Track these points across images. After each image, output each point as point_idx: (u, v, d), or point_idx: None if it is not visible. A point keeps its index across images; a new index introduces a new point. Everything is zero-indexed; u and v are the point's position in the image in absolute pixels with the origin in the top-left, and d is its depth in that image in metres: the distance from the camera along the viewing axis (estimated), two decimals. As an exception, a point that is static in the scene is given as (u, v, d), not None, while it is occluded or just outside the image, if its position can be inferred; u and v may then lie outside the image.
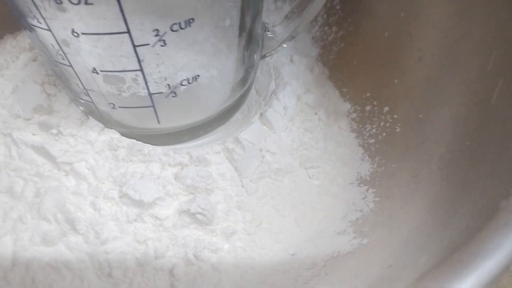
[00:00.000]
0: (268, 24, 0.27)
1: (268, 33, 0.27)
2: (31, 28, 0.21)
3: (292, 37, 0.28)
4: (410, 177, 0.23)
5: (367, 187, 0.26)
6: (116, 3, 0.18)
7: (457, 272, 0.13)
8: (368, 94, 0.30)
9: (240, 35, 0.23)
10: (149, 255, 0.22)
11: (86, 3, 0.18)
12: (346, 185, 0.26)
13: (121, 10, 0.18)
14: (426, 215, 0.20)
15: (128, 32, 0.19)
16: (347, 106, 0.31)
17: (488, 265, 0.13)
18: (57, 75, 0.24)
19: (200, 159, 0.25)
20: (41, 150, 0.24)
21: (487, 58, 0.22)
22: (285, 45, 0.28)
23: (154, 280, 0.22)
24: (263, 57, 0.28)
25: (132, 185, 0.23)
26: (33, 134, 0.25)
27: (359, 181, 0.26)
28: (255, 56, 0.26)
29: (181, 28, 0.20)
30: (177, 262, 0.22)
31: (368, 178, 0.26)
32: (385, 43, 0.30)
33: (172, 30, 0.20)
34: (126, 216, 0.23)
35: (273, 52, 0.28)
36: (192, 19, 0.20)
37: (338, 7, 0.33)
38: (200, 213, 0.23)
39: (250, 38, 0.24)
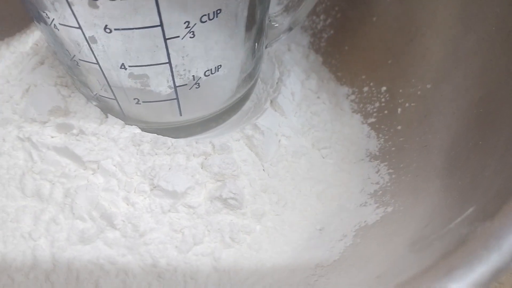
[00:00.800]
0: (271, 15, 0.28)
1: (273, 23, 0.28)
2: (54, 27, 0.21)
3: (292, 28, 0.29)
4: (420, 147, 0.25)
5: (378, 161, 0.27)
6: (153, -1, 0.18)
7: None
8: (363, 77, 0.32)
9: (253, 25, 0.24)
10: (188, 242, 0.23)
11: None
12: (358, 162, 0.28)
13: (157, 4, 0.19)
14: (444, 178, 0.22)
15: (161, 25, 0.20)
16: (344, 89, 0.32)
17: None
18: (74, 74, 0.24)
19: (223, 147, 0.26)
20: (65, 151, 0.25)
21: (484, 34, 0.24)
22: (285, 35, 0.29)
23: (197, 266, 0.23)
24: (266, 47, 0.29)
25: (163, 177, 0.24)
26: (52, 137, 0.25)
27: (370, 156, 0.28)
28: (262, 46, 0.28)
29: (209, 19, 0.21)
30: (215, 246, 0.23)
31: (377, 153, 0.28)
32: (374, 27, 0.32)
33: (201, 22, 0.20)
34: (161, 207, 0.24)
35: (275, 42, 0.29)
36: (220, 9, 0.21)
37: (323, -5, 0.35)
38: (232, 198, 0.24)
39: (261, 29, 0.25)
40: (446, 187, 0.21)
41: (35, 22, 0.22)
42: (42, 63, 0.28)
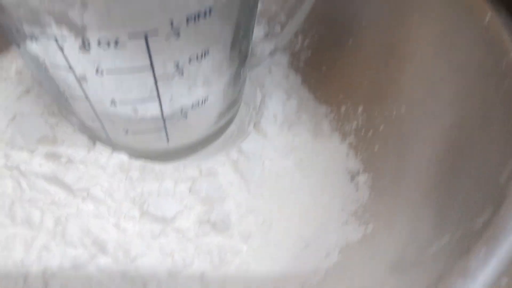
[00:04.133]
0: (253, 42, 0.30)
1: (255, 51, 0.29)
2: (44, 67, 0.22)
3: (274, 53, 0.30)
4: (396, 168, 0.27)
5: (357, 180, 0.29)
6: (144, 44, 0.19)
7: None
8: (341, 96, 0.33)
9: (239, 56, 0.25)
10: (178, 265, 0.24)
11: (115, 47, 0.19)
12: (338, 180, 0.29)
13: (148, 48, 0.20)
14: (419, 200, 0.24)
15: (152, 66, 0.21)
16: (323, 108, 0.34)
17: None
18: (61, 105, 0.25)
19: (210, 171, 0.27)
20: (54, 180, 0.25)
21: (456, 63, 0.26)
22: (267, 60, 0.30)
23: (188, 288, 0.24)
24: (249, 71, 0.31)
25: (152, 203, 0.25)
26: (40, 165, 0.26)
27: (350, 174, 0.29)
28: (245, 72, 0.29)
29: (197, 60, 0.22)
30: (205, 268, 0.24)
31: (356, 172, 0.29)
32: (350, 49, 0.34)
33: (189, 62, 0.21)
34: (151, 232, 0.25)
35: (257, 67, 0.30)
36: (207, 50, 0.22)
37: (302, 17, 0.36)
38: (220, 220, 0.25)
39: (245, 57, 0.27)
40: (422, 209, 0.23)
41: (24, 58, 0.23)
42: (28, 91, 0.28)
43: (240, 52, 0.25)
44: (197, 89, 0.23)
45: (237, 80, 0.27)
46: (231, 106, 0.28)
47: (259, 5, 0.38)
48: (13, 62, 0.31)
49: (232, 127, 0.30)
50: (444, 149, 0.24)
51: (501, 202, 0.17)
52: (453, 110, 0.25)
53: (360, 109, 0.32)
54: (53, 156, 0.26)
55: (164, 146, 0.26)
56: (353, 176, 0.29)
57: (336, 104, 0.34)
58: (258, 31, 0.34)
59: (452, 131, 0.24)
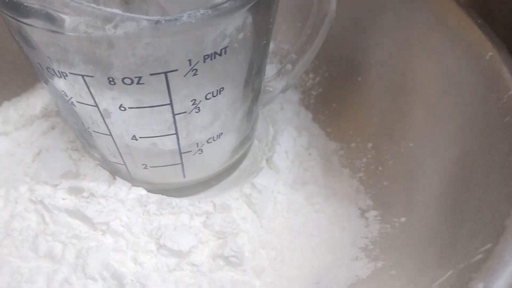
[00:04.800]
0: (265, 80, 0.31)
1: (268, 88, 0.30)
2: (71, 104, 0.23)
3: (285, 90, 0.32)
4: (405, 203, 0.28)
5: (367, 216, 0.29)
6: (164, 81, 0.21)
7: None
8: (351, 132, 0.35)
9: (252, 93, 0.26)
10: (193, 299, 0.25)
11: (138, 83, 0.21)
12: (348, 216, 0.30)
13: (168, 87, 0.21)
14: (427, 236, 0.24)
15: (171, 103, 0.22)
16: (333, 144, 0.35)
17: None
18: (85, 140, 0.26)
19: (224, 206, 0.27)
20: (76, 213, 0.26)
21: (459, 98, 0.27)
22: (279, 97, 0.32)
23: (202, 322, 0.24)
24: (261, 108, 0.32)
25: (168, 236, 0.26)
26: (63, 199, 0.27)
27: (360, 210, 0.30)
28: (259, 108, 0.30)
29: (213, 96, 0.23)
30: (219, 302, 0.25)
31: (366, 207, 0.30)
32: (359, 86, 0.35)
33: (206, 99, 0.23)
34: (167, 266, 0.25)
35: (269, 103, 0.32)
36: (223, 87, 0.23)
37: (313, 56, 0.38)
38: (233, 256, 0.26)
39: (257, 94, 0.28)
40: (429, 244, 0.23)
41: (52, 95, 0.24)
42: (53, 128, 0.30)
43: (253, 89, 0.26)
44: (212, 125, 0.25)
45: (250, 116, 0.28)
46: (245, 142, 0.29)
47: (272, 45, 0.40)
48: (38, 99, 0.32)
49: (246, 163, 0.31)
50: (450, 183, 0.25)
51: (500, 234, 0.17)
52: (458, 144, 0.26)
53: (370, 145, 0.33)
54: (75, 190, 0.27)
55: (181, 180, 0.27)
56: (363, 212, 0.30)
57: (346, 140, 0.35)
58: (271, 70, 0.36)
59: (457, 165, 0.25)
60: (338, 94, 0.37)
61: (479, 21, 0.28)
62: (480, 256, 0.17)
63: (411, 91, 0.31)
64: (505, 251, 0.17)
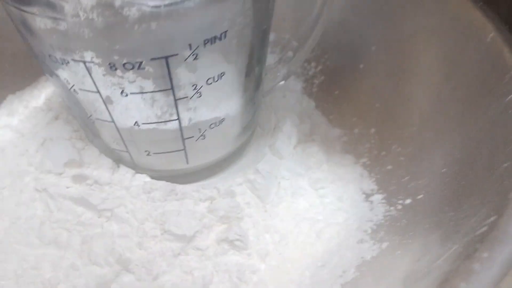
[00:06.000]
0: (267, 67, 0.31)
1: (269, 75, 0.30)
2: (73, 91, 0.23)
3: (286, 77, 0.32)
4: (409, 187, 0.28)
5: (371, 199, 0.29)
6: (165, 66, 0.21)
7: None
8: (354, 119, 0.35)
9: (253, 79, 0.27)
10: (197, 283, 0.25)
11: (139, 68, 0.21)
12: (353, 200, 0.30)
13: (169, 72, 0.21)
14: (431, 217, 0.24)
15: (172, 88, 0.22)
16: (336, 131, 0.35)
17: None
18: (88, 129, 0.26)
19: (227, 192, 0.28)
20: (80, 201, 0.26)
21: (462, 80, 0.26)
22: (281, 84, 0.32)
23: (207, 305, 0.24)
24: (263, 96, 0.32)
25: (173, 222, 0.26)
26: (68, 187, 0.27)
27: (364, 194, 0.30)
28: (260, 95, 0.30)
29: (214, 81, 0.23)
30: (224, 286, 0.25)
31: (370, 192, 0.30)
32: (361, 73, 0.35)
33: (207, 84, 0.23)
34: (172, 251, 0.25)
35: (271, 91, 0.32)
36: (224, 72, 0.23)
37: (314, 44, 0.38)
38: (238, 240, 0.26)
39: (259, 82, 0.28)
40: (433, 224, 0.23)
41: (54, 84, 0.25)
42: (56, 118, 0.30)
43: (254, 75, 0.26)
44: (214, 110, 0.25)
45: (251, 103, 0.28)
46: (247, 129, 0.29)
47: (273, 35, 0.40)
48: (42, 92, 0.33)
49: (249, 149, 0.31)
50: (453, 164, 0.25)
51: (505, 207, 0.17)
52: (461, 126, 0.26)
53: (373, 130, 0.33)
54: (79, 179, 0.27)
55: (184, 166, 0.28)
56: (367, 196, 0.30)
57: (349, 126, 0.35)
58: (272, 59, 0.36)
59: (461, 146, 0.25)
60: (340, 81, 0.37)
61: (480, 3, 0.28)
62: (485, 228, 0.18)
63: (413, 75, 0.31)
64: (510, 222, 0.17)
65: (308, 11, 0.29)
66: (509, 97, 0.24)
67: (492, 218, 0.18)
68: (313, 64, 0.38)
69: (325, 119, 0.36)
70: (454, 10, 0.28)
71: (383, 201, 0.29)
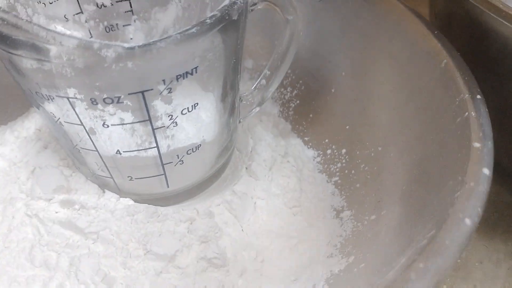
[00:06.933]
0: (242, 95, 0.33)
1: (245, 102, 0.33)
2: (59, 124, 0.25)
3: (261, 104, 0.34)
4: (375, 202, 0.30)
5: (341, 216, 0.32)
6: (142, 99, 0.23)
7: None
8: (326, 140, 0.37)
9: (227, 106, 0.29)
10: (179, 300, 0.27)
11: (118, 102, 0.23)
12: (325, 217, 0.32)
13: (146, 105, 0.23)
14: (394, 227, 0.27)
15: (149, 119, 0.24)
16: (310, 152, 0.37)
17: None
18: (75, 157, 0.29)
19: (206, 212, 0.30)
20: (68, 224, 0.28)
21: (421, 103, 0.29)
22: (257, 110, 0.34)
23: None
24: (240, 121, 0.34)
25: (155, 242, 0.28)
26: (56, 212, 0.29)
27: (335, 211, 0.32)
28: (236, 121, 0.32)
29: (189, 112, 0.25)
30: (203, 302, 0.27)
31: (341, 209, 0.32)
32: (333, 97, 0.38)
33: (182, 114, 0.25)
34: (154, 270, 0.27)
35: (247, 117, 0.34)
36: (197, 103, 0.25)
37: (289, 71, 0.40)
38: (216, 257, 0.28)
39: (233, 108, 0.30)
40: (392, 238, 0.25)
41: (42, 117, 0.27)
42: (45, 147, 0.32)
43: (227, 103, 0.28)
44: (190, 137, 0.27)
45: (227, 128, 0.30)
46: (224, 153, 0.31)
47: (251, 62, 0.42)
48: (32, 122, 0.35)
49: (227, 172, 0.34)
50: (411, 182, 0.27)
51: (444, 221, 0.19)
52: (420, 146, 0.28)
53: (344, 151, 0.35)
54: (67, 204, 0.29)
55: (165, 190, 0.30)
56: (338, 213, 0.32)
57: (322, 148, 0.37)
58: (251, 85, 0.38)
59: (418, 165, 0.27)
60: (314, 105, 0.39)
61: (435, 32, 0.30)
62: (425, 241, 0.20)
63: (378, 99, 0.34)
64: (446, 236, 0.19)
65: (279, 41, 0.32)
66: (458, 119, 0.26)
67: (432, 232, 0.20)
68: (289, 89, 0.41)
69: (300, 140, 0.38)
70: (413, 37, 0.31)
71: (352, 217, 0.31)
